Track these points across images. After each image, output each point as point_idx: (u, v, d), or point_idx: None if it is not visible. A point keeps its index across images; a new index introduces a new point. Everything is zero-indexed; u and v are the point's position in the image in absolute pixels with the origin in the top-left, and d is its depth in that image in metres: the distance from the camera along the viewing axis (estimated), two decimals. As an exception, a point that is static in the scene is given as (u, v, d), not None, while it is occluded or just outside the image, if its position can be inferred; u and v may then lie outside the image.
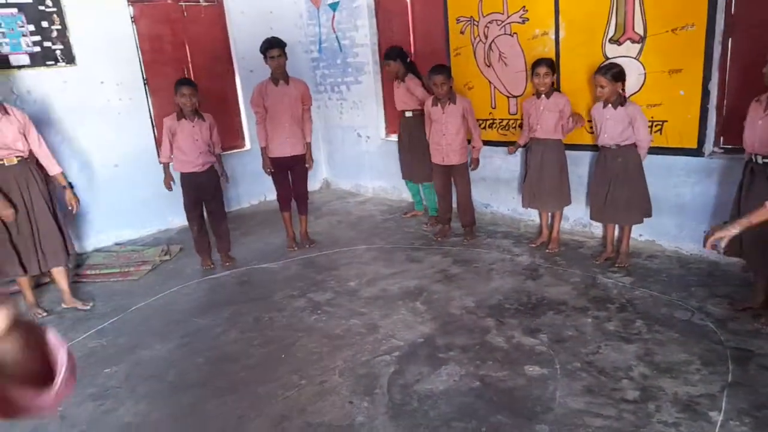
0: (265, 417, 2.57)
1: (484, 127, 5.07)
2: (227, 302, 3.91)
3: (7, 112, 3.53)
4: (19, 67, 4.71)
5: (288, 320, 3.56)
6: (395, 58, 5.05)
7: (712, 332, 2.92)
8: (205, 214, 4.52)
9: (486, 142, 5.05)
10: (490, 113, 4.98)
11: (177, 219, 5.66)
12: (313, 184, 7.00)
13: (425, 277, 4.04)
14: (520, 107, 4.72)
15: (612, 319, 3.16)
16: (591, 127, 4.11)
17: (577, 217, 4.57)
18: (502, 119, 4.91)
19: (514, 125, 4.83)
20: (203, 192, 4.39)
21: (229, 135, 6.27)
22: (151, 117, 5.59)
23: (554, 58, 4.34)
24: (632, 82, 3.92)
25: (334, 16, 6.24)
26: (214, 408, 2.69)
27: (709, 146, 3.72)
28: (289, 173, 4.75)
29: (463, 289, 3.78)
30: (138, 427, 2.61)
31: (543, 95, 4.11)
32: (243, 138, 6.41)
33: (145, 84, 5.51)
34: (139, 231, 5.57)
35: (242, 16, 6.10)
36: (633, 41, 3.91)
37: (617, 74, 3.67)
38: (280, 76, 4.50)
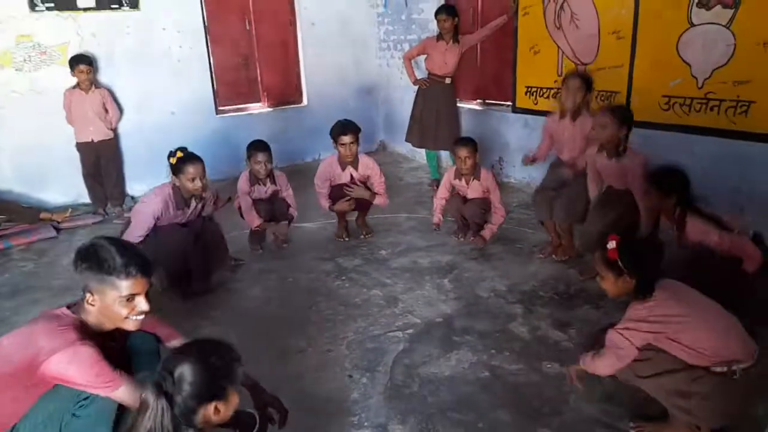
0: (262, 380, 2.52)
1: (548, 96, 4.67)
2: (256, 259, 3.90)
3: None
4: (85, 9, 4.84)
5: (311, 283, 3.49)
6: (454, 15, 4.74)
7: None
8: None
9: (549, 113, 4.68)
10: (555, 81, 4.56)
11: (230, 170, 5.73)
12: (370, 145, 6.87)
13: (461, 253, 3.83)
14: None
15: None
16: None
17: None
18: (568, 89, 4.48)
19: (580, 96, 4.39)
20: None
21: (287, 89, 6.23)
22: (210, 66, 5.61)
23: (632, 21, 3.87)
24: (719, 53, 3.41)
25: (401, -31, 5.93)
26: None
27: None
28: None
29: (498, 270, 3.54)
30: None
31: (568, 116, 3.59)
32: (301, 93, 6.33)
33: (206, 32, 5.51)
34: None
35: (308, -33, 5.94)
36: (725, 6, 3.37)
37: (626, 117, 3.12)
38: (350, 162, 4.09)
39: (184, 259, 3.26)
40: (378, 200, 4.14)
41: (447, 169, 4.20)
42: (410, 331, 2.87)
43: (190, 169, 3.18)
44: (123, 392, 1.69)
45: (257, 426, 1.80)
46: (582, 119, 3.53)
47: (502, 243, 3.95)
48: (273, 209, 4.02)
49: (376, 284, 3.42)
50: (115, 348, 1.82)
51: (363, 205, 4.21)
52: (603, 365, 2.01)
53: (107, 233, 4.28)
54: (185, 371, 1.43)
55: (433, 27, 5.61)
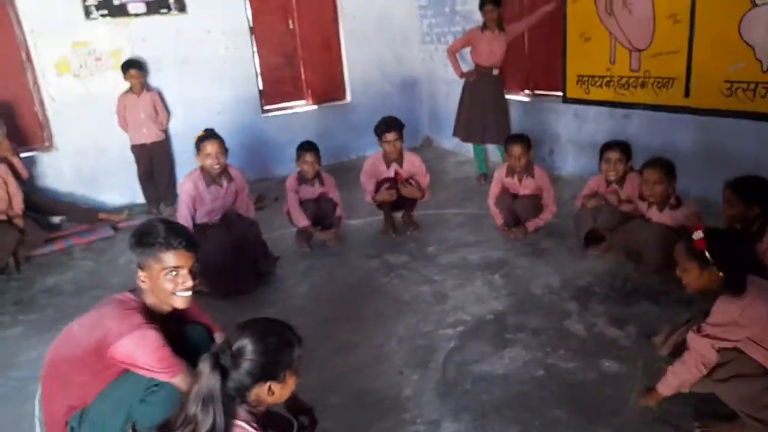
0: (318, 374, 2.54)
1: (600, 85, 4.50)
2: (304, 255, 3.93)
3: None
4: (136, 14, 4.99)
5: (360, 279, 3.49)
6: (499, 4, 4.64)
7: None
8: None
9: (601, 102, 4.53)
10: (608, 69, 4.40)
11: (278, 169, 5.82)
12: (415, 140, 6.82)
13: (512, 249, 3.75)
14: (644, 62, 4.11)
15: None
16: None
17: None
18: (621, 76, 4.31)
19: (635, 84, 4.22)
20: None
21: (331, 86, 6.26)
22: (255, 66, 5.70)
23: (689, 3, 3.68)
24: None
25: (444, -40, 5.85)
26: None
27: None
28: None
29: (551, 266, 3.44)
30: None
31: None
32: (344, 90, 6.35)
33: (250, 33, 5.60)
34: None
35: (349, -39, 5.93)
36: (796, -18, 3.16)
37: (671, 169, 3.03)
38: (395, 159, 4.07)
39: (225, 259, 3.32)
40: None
41: (497, 166, 4.09)
42: (461, 328, 2.82)
43: (207, 147, 3.30)
44: (181, 380, 1.73)
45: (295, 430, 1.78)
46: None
47: (554, 238, 3.84)
48: (319, 209, 4.05)
49: (425, 281, 3.38)
50: (175, 333, 1.86)
51: (409, 202, 4.17)
52: (684, 378, 1.90)
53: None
54: (245, 346, 1.43)
55: (478, 18, 5.50)
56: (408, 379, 2.45)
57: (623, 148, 3.43)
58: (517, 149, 3.78)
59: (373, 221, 4.48)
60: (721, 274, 1.81)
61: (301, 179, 4.02)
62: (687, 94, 3.86)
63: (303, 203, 4.02)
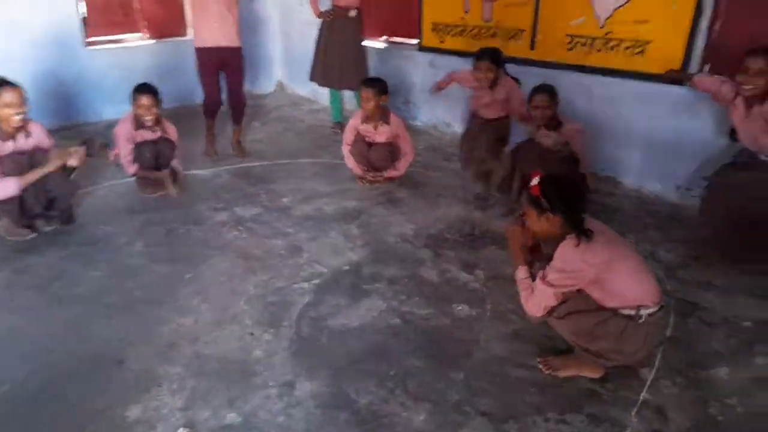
0: (151, 343, 2.25)
1: (454, 34, 4.51)
2: (140, 209, 3.48)
3: None
4: None
5: (204, 235, 3.17)
6: None
7: (660, 281, 2.66)
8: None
9: (456, 52, 4.55)
10: (462, 18, 4.41)
11: (106, 111, 5.09)
12: (267, 85, 6.42)
13: (367, 198, 3.67)
14: (496, 12, 4.17)
15: (558, 259, 2.87)
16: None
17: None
18: (474, 26, 4.35)
19: (486, 34, 4.29)
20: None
21: (171, 19, 5.56)
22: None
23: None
24: (620, -8, 3.41)
25: None
26: (97, 328, 2.35)
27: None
28: (223, 73, 4.18)
29: (405, 215, 3.43)
30: (8, 343, 2.26)
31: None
32: (186, 25, 5.67)
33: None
34: (63, 121, 4.97)
35: None
36: (627, -58, 3.35)
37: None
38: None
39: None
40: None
41: (354, 114, 3.94)
42: (316, 281, 2.69)
43: (5, 97, 2.83)
44: None
45: None
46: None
47: (407, 187, 3.83)
48: (158, 151, 3.63)
49: (277, 234, 3.18)
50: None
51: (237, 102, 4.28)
52: (529, 309, 2.00)
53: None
54: None
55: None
56: (259, 340, 2.26)
57: (493, 56, 3.61)
58: (369, 93, 3.67)
59: (222, 171, 4.12)
60: (557, 217, 1.87)
61: (139, 124, 3.54)
62: (532, 46, 4.01)
63: (140, 145, 3.60)
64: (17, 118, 2.86)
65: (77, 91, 4.95)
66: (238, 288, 2.64)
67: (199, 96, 5.67)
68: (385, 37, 5.33)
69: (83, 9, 4.95)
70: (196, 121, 4.90)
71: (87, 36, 5.04)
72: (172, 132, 3.73)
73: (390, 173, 3.83)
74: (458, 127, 4.78)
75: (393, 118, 3.82)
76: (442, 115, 4.85)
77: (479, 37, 4.34)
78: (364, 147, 3.85)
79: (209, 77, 4.14)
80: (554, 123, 3.22)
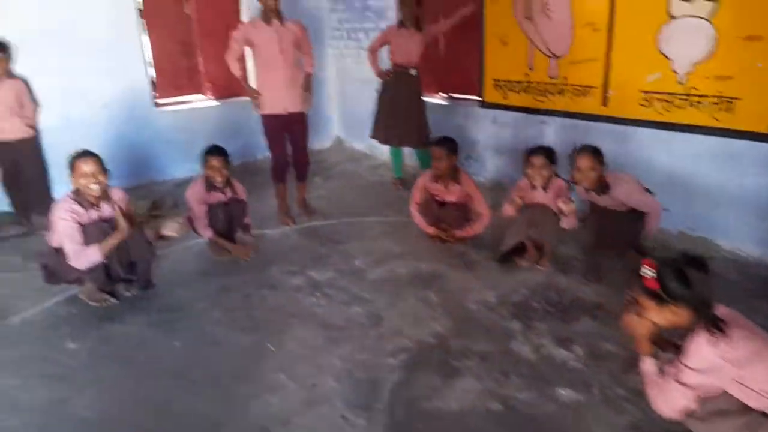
0: (243, 425, 2.17)
1: (518, 91, 4.47)
2: (215, 272, 3.48)
3: None
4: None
5: (281, 301, 3.12)
6: (420, 1, 4.49)
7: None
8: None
9: (519, 108, 4.50)
10: (526, 75, 4.37)
11: (174, 170, 5.21)
12: (324, 140, 6.50)
13: (441, 260, 3.57)
14: (562, 69, 4.12)
15: (658, 331, 2.69)
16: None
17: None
18: (540, 83, 4.30)
19: (552, 90, 4.23)
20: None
21: (233, 80, 5.69)
22: (143, 52, 5.03)
23: (608, 12, 3.72)
24: (702, 46, 3.31)
25: (357, -48, 5.56)
26: (185, 407, 2.28)
27: (788, 132, 3.15)
28: (288, 134, 4.21)
29: (484, 280, 3.31)
30: (94, 424, 2.21)
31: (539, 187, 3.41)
32: (249, 85, 5.83)
33: (139, 14, 4.91)
34: (133, 181, 5.10)
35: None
36: (708, -2, 3.27)
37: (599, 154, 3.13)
38: (273, 14, 3.87)
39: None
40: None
41: (421, 172, 3.90)
42: (403, 356, 2.57)
43: (83, 167, 2.89)
44: None
45: None
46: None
47: (481, 248, 3.72)
48: (230, 213, 3.66)
49: (355, 300, 3.10)
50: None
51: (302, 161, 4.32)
52: (662, 410, 1.79)
53: (34, 247, 3.74)
54: None
55: (392, 15, 5.33)
56: (353, 426, 2.15)
57: (548, 152, 3.38)
58: (440, 151, 3.63)
59: (291, 232, 4.11)
60: (683, 309, 1.71)
61: (209, 186, 3.57)
62: (604, 102, 3.92)
63: (213, 207, 3.62)
64: (95, 187, 2.90)
65: (146, 152, 5.10)
66: (323, 362, 2.54)
67: (260, 152, 5.84)
68: (443, 94, 5.34)
69: (152, 73, 5.15)
70: (259, 178, 4.97)
71: (155, 98, 5.22)
72: (241, 191, 3.75)
73: (463, 232, 3.74)
74: (524, 183, 4.69)
75: (464, 177, 3.76)
76: (506, 170, 4.77)
77: (545, 93, 4.29)
78: (434, 206, 3.78)
79: (277, 141, 4.18)
80: (603, 185, 3.11)
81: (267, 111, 4.09)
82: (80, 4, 4.56)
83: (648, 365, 1.86)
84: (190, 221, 3.63)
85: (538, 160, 3.33)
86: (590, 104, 4.01)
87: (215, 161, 3.52)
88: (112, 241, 2.92)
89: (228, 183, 3.63)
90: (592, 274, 3.20)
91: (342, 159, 6.15)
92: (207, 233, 3.59)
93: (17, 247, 3.89)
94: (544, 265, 3.41)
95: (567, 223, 3.28)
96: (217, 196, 3.62)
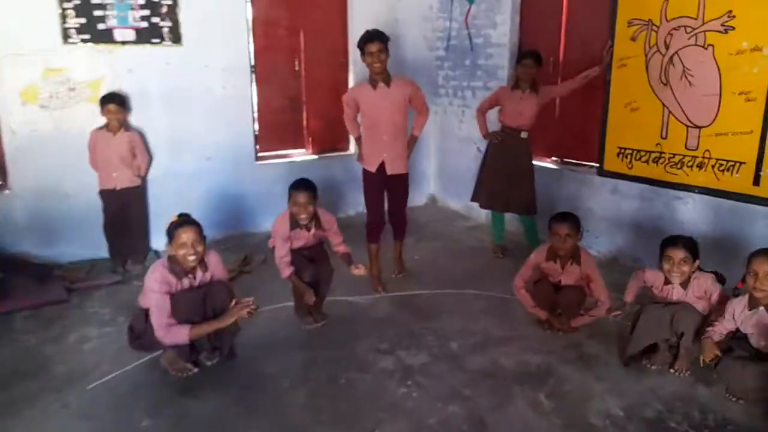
0: None
1: (647, 161, 3.98)
2: (300, 344, 3.22)
3: None
4: (124, 42, 4.36)
5: (370, 387, 2.78)
6: (540, 62, 4.16)
7: None
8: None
9: (647, 180, 4.00)
10: (658, 144, 3.88)
11: (269, 224, 5.14)
12: (419, 197, 6.24)
13: (552, 351, 3.10)
14: (704, 141, 3.61)
15: None
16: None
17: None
18: (674, 154, 3.79)
19: (690, 163, 3.71)
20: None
21: (335, 135, 5.67)
22: (252, 107, 5.09)
23: (766, 80, 3.20)
24: None
25: (469, 10, 5.39)
26: None
27: None
28: (386, 192, 3.99)
29: (606, 382, 2.79)
30: None
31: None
32: (349, 140, 5.75)
33: (252, 71, 5.00)
34: (227, 231, 5.09)
35: (365, 3, 5.43)
36: None
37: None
38: (379, 77, 3.71)
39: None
40: None
41: (537, 249, 3.48)
42: (512, 481, 2.13)
43: (182, 236, 2.73)
44: None
45: None
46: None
47: (600, 339, 3.21)
48: (316, 263, 3.42)
49: (453, 395, 2.69)
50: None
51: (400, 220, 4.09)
52: None
53: (126, 298, 3.69)
54: None
55: (503, 75, 5.08)
56: None
57: (689, 245, 2.83)
58: (564, 229, 3.20)
59: (378, 299, 3.81)
60: None
61: (294, 223, 3.35)
62: (757, 181, 3.35)
63: (296, 253, 3.37)
64: (192, 258, 2.74)
65: (243, 203, 5.08)
66: (416, 478, 2.16)
67: (353, 209, 5.68)
68: (555, 158, 4.93)
69: (257, 127, 5.18)
70: (349, 231, 4.74)
71: (258, 151, 5.24)
72: (330, 224, 3.49)
73: (580, 321, 3.25)
74: (648, 263, 4.11)
75: (584, 256, 3.30)
76: (626, 247, 4.23)
77: (680, 165, 3.76)
78: (550, 289, 3.34)
79: (374, 199, 3.97)
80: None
81: (369, 168, 3.90)
82: (198, 61, 4.68)
83: None
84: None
85: (678, 253, 2.81)
86: (738, 182, 3.45)
87: (301, 197, 3.26)
88: (207, 328, 2.75)
89: (314, 219, 3.39)
90: (739, 389, 2.59)
91: (436, 218, 5.84)
92: (286, 271, 3.31)
93: (110, 297, 3.85)
94: (681, 368, 2.84)
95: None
96: (301, 235, 3.39)
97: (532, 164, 4.51)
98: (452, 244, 5.04)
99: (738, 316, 2.63)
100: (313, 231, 3.42)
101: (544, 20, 4.78)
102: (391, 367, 2.97)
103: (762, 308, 2.54)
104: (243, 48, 4.88)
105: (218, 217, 5.00)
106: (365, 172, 3.94)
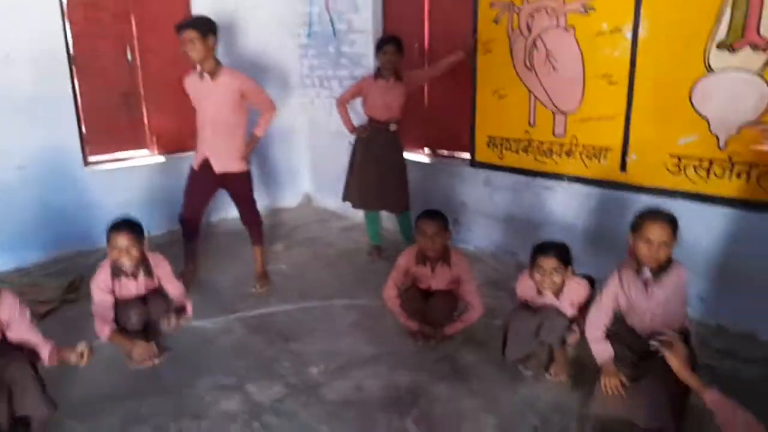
0: None
1: (516, 150, 3.79)
2: (128, 390, 2.59)
3: None
4: None
5: (205, 438, 2.26)
6: (401, 49, 3.84)
7: None
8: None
9: (518, 170, 3.82)
10: (526, 132, 3.70)
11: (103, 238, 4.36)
12: (292, 197, 5.74)
13: (424, 368, 2.76)
14: (570, 127, 3.46)
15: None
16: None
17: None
18: (543, 141, 3.62)
19: (559, 151, 3.55)
20: None
21: (183, 133, 4.94)
22: (77, 105, 4.26)
23: (628, 62, 3.08)
24: (750, 105, 2.67)
25: (330, -7, 4.95)
26: None
27: None
28: (228, 194, 3.69)
29: (479, 396, 2.51)
30: None
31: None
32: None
33: (70, 62, 4.16)
34: (55, 252, 4.24)
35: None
36: (756, 48, 2.64)
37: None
38: (202, 68, 3.38)
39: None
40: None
41: (404, 250, 3.13)
42: None
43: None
44: None
45: None
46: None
47: (473, 346, 2.93)
48: (148, 310, 2.82)
49: (307, 437, 2.25)
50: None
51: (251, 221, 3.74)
52: None
53: None
54: None
55: (367, 63, 4.70)
56: None
57: (561, 253, 2.56)
58: (431, 227, 2.87)
59: (229, 321, 3.28)
60: None
61: (116, 272, 2.75)
62: (623, 167, 3.24)
63: (125, 304, 2.78)
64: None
65: (73, 218, 4.27)
66: None
67: (215, 214, 5.04)
68: (427, 150, 4.65)
69: (84, 128, 4.35)
70: (204, 244, 4.15)
71: (87, 155, 4.42)
72: (163, 270, 2.91)
73: (452, 329, 2.94)
74: (524, 256, 3.94)
75: (455, 257, 3.00)
76: (502, 240, 4.03)
77: (549, 153, 3.60)
78: (419, 297, 3.00)
79: (189, 195, 3.66)
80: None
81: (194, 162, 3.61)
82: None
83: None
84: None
85: (549, 263, 2.53)
86: (605, 169, 3.33)
87: (121, 239, 2.67)
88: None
89: (141, 264, 2.81)
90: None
91: (310, 220, 5.37)
92: (104, 332, 2.68)
93: None
94: (558, 374, 2.61)
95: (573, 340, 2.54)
96: (129, 286, 2.81)
97: (404, 158, 4.18)
98: (325, 248, 4.60)
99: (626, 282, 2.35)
100: (142, 279, 2.83)
101: (408, 3, 4.46)
102: (235, 407, 2.46)
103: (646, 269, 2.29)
104: (57, 34, 4.03)
105: (41, 237, 4.16)
106: (193, 170, 3.60)
